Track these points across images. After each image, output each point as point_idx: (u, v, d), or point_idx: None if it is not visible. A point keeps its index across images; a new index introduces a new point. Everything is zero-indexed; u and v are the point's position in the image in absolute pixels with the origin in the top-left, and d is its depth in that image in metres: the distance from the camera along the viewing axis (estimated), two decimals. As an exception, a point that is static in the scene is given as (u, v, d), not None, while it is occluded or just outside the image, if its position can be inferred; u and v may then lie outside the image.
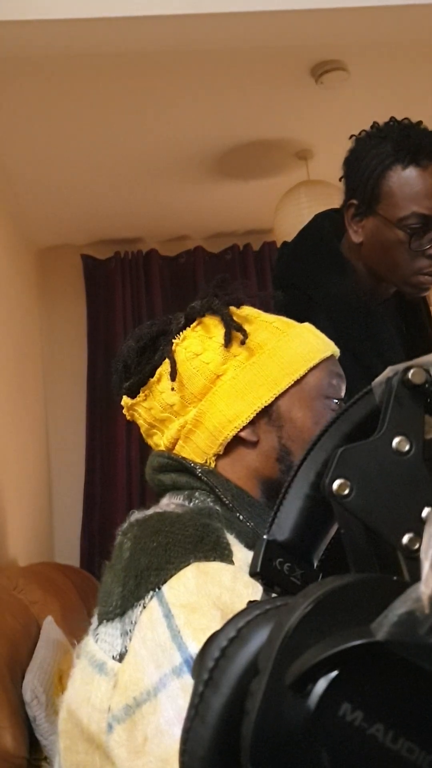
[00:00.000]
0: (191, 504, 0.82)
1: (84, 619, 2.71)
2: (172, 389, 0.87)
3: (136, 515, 0.81)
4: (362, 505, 0.34)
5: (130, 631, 0.68)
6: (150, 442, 0.94)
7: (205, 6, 1.82)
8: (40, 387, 3.63)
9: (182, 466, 0.86)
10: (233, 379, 0.86)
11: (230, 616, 0.62)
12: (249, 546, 0.76)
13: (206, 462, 0.87)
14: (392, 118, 1.33)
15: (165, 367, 0.88)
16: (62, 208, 3.31)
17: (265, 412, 0.86)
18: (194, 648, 0.62)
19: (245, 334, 0.87)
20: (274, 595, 0.37)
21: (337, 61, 2.32)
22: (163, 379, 0.88)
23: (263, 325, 0.90)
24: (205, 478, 0.84)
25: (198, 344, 0.88)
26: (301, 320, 1.33)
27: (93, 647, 0.71)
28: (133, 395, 0.92)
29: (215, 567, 0.69)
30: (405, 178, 1.25)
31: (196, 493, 0.83)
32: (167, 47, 2.06)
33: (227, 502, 0.82)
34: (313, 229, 1.47)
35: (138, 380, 0.90)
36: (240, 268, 3.77)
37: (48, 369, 3.72)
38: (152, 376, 0.89)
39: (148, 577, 0.69)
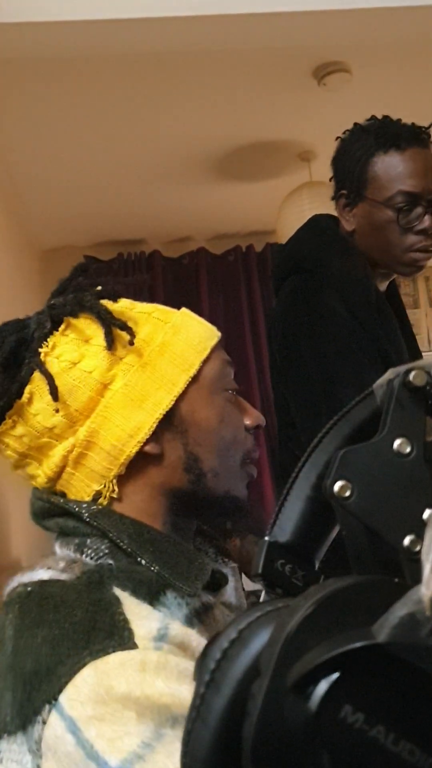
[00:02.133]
0: (84, 556, 0.71)
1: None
2: (57, 410, 0.72)
3: (19, 580, 0.71)
4: (363, 506, 0.34)
5: (37, 749, 0.59)
6: (23, 474, 0.80)
7: (208, 8, 1.83)
8: (43, 388, 3.63)
9: (66, 511, 0.73)
10: (125, 387, 0.73)
11: (146, 711, 0.56)
12: (152, 594, 0.67)
13: (105, 486, 0.74)
14: (373, 116, 1.42)
15: (36, 383, 0.73)
16: (65, 210, 3.32)
17: (166, 419, 0.74)
18: (115, 760, 0.54)
19: (132, 333, 0.73)
20: (275, 596, 0.37)
21: (340, 63, 2.32)
22: (35, 398, 0.73)
23: (143, 317, 0.77)
24: (95, 523, 0.71)
25: (73, 351, 0.74)
26: (314, 300, 1.36)
27: None
28: None
29: (116, 662, 0.59)
30: (388, 161, 1.34)
31: (88, 541, 0.71)
32: (170, 49, 2.06)
33: (124, 546, 0.70)
34: (312, 222, 1.51)
35: (4, 404, 0.74)
36: (243, 269, 3.78)
37: (51, 370, 3.72)
38: (20, 397, 0.73)
39: (39, 684, 0.59)
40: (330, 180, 1.46)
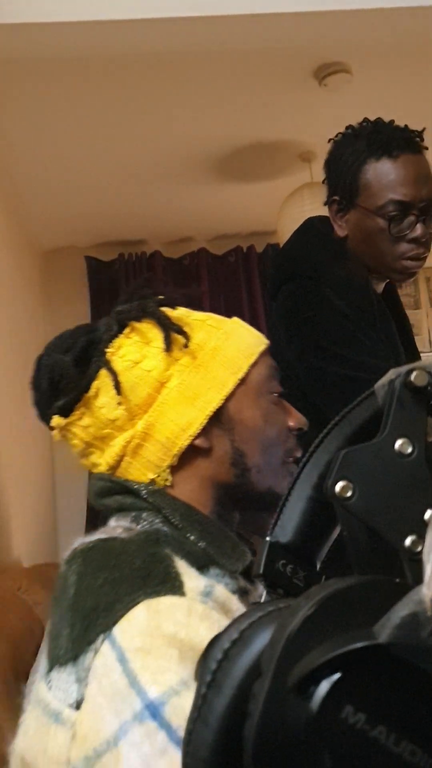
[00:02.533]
0: (139, 526, 0.78)
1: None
2: (119, 404, 0.80)
3: (80, 541, 0.77)
4: (365, 507, 0.34)
5: (84, 677, 0.64)
6: (86, 462, 0.87)
7: (209, 8, 1.83)
8: (44, 388, 3.63)
9: (125, 489, 0.81)
10: (180, 385, 0.81)
11: (188, 653, 0.61)
12: (200, 567, 0.73)
13: (159, 476, 0.81)
14: (365, 119, 1.41)
15: (102, 379, 0.81)
16: (66, 210, 3.32)
17: (215, 417, 0.81)
18: (154, 692, 0.60)
19: (187, 337, 0.81)
20: (276, 596, 0.37)
21: (341, 63, 2.32)
22: (101, 393, 0.81)
23: (198, 324, 0.85)
24: (151, 499, 0.79)
25: (136, 351, 0.81)
26: (314, 306, 1.36)
27: (46, 695, 0.68)
28: (66, 414, 0.83)
29: (167, 603, 0.66)
30: (379, 169, 1.33)
31: (144, 514, 0.79)
32: (171, 49, 2.06)
33: (176, 522, 0.77)
34: (307, 226, 1.51)
35: (73, 397, 0.82)
36: (243, 269, 3.78)
37: (52, 370, 3.72)
38: (87, 391, 0.82)
39: (96, 619, 0.66)
40: (323, 182, 1.45)
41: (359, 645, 0.26)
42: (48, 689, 0.67)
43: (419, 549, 0.33)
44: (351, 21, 1.92)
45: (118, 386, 0.79)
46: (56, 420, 0.84)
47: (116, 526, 0.80)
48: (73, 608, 0.68)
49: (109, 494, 0.83)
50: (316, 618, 0.27)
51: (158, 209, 3.40)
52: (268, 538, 0.37)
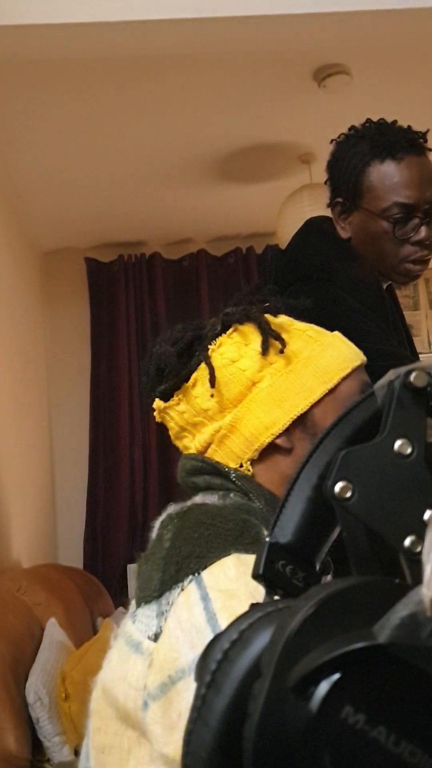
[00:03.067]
0: (227, 502, 0.82)
1: (87, 621, 2.72)
2: (212, 395, 0.87)
3: (174, 507, 0.82)
4: (364, 507, 0.34)
5: (166, 611, 0.69)
6: (179, 444, 0.95)
7: (209, 10, 1.83)
8: (44, 389, 3.63)
9: (216, 470, 0.87)
10: (270, 387, 0.86)
11: None
12: None
13: (240, 466, 0.87)
14: (368, 120, 1.41)
15: (201, 372, 0.88)
16: (66, 212, 3.32)
17: (300, 420, 0.86)
18: None
19: (283, 343, 0.87)
20: (276, 597, 0.37)
21: (340, 65, 2.32)
22: (198, 384, 0.89)
23: (297, 333, 0.90)
24: (239, 483, 0.84)
25: (234, 351, 0.88)
26: (329, 304, 1.36)
27: (130, 627, 0.73)
28: (166, 399, 0.92)
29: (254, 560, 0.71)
30: (383, 171, 1.33)
31: (231, 494, 0.84)
32: (171, 51, 2.06)
33: (260, 506, 0.82)
34: (311, 227, 1.51)
35: (173, 384, 0.90)
36: (243, 271, 3.78)
37: (51, 371, 3.73)
38: (187, 381, 0.89)
39: (188, 563, 0.71)
40: (325, 183, 1.45)
41: (359, 645, 0.26)
42: (132, 623, 0.73)
43: (419, 549, 0.33)
44: (350, 23, 1.92)
45: (213, 380, 0.86)
46: (157, 403, 0.93)
47: (204, 500, 0.84)
48: (168, 556, 0.73)
49: (199, 473, 0.89)
50: (315, 618, 0.27)
51: (158, 211, 3.40)
52: (267, 539, 0.37)
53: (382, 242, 1.35)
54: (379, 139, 1.35)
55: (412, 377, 0.35)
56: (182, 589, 0.69)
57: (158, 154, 2.84)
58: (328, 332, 0.93)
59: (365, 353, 1.32)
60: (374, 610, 0.27)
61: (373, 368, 1.27)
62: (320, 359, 0.88)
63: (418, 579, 0.29)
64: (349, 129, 1.42)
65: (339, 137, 1.43)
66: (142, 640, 0.70)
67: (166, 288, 3.75)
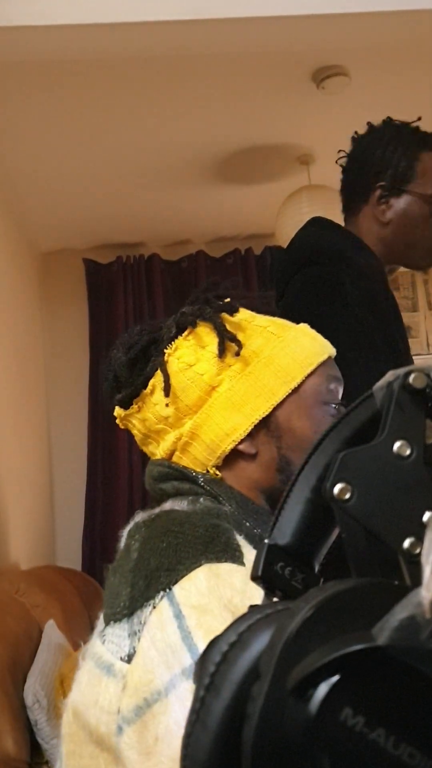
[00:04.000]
0: (197, 507, 0.80)
1: (86, 623, 2.72)
2: (167, 405, 0.84)
3: (141, 515, 0.80)
4: (363, 509, 0.34)
5: (138, 631, 0.67)
6: (146, 450, 0.92)
7: (207, 11, 1.83)
8: (42, 391, 3.63)
9: (183, 475, 0.84)
10: (229, 391, 0.83)
11: None
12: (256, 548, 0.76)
13: (207, 472, 0.84)
14: (389, 118, 1.49)
15: (158, 378, 0.85)
16: (64, 213, 3.32)
17: (264, 423, 0.83)
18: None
19: (239, 345, 0.83)
20: (275, 599, 0.37)
21: (339, 67, 2.33)
22: (156, 390, 0.85)
23: (257, 330, 0.87)
24: (208, 487, 0.82)
25: (191, 354, 0.84)
26: (329, 298, 1.38)
27: (99, 649, 0.70)
28: (125, 406, 0.89)
29: (226, 569, 0.68)
30: None
31: (201, 499, 0.81)
32: (169, 52, 2.06)
33: (232, 509, 0.80)
34: (318, 221, 1.57)
35: (130, 392, 0.87)
36: (242, 272, 3.78)
37: (50, 373, 3.72)
38: (145, 388, 0.86)
39: (158, 577, 0.68)
40: (348, 175, 1.52)
41: (358, 647, 0.26)
42: (102, 643, 0.70)
43: (418, 551, 0.33)
44: (349, 24, 1.92)
45: (167, 388, 0.83)
46: (117, 411, 0.90)
47: (173, 506, 0.82)
48: (136, 569, 0.71)
49: (167, 479, 0.86)
50: (314, 620, 0.27)
51: (156, 212, 3.40)
52: (266, 541, 0.37)
53: (423, 225, 1.43)
54: (423, 133, 1.45)
55: (411, 379, 0.35)
56: (154, 607, 0.67)
57: (157, 156, 2.84)
58: (292, 325, 0.89)
59: (357, 357, 1.33)
60: (373, 612, 0.27)
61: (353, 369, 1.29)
62: (281, 358, 0.84)
63: (417, 581, 0.29)
64: (385, 121, 1.50)
65: (368, 130, 1.50)
66: (113, 661, 0.68)
67: (164, 289, 3.75)
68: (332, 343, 1.37)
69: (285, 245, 2.87)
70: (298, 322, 1.42)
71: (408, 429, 0.35)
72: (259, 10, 1.84)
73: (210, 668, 0.28)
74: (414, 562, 0.32)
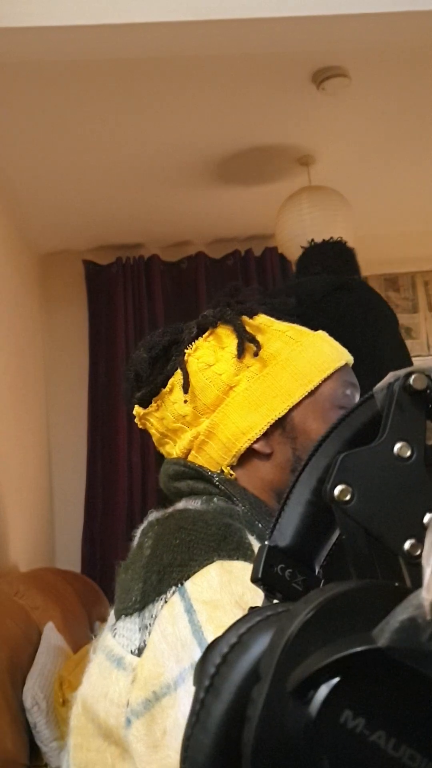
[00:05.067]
0: (210, 506, 0.80)
1: (85, 625, 2.72)
2: (185, 401, 0.86)
3: (155, 514, 0.81)
4: (364, 510, 0.34)
5: (149, 625, 0.67)
6: (162, 450, 0.93)
7: (207, 13, 1.83)
8: (42, 392, 3.63)
9: (199, 474, 0.85)
10: (246, 391, 0.85)
11: None
12: None
13: (222, 472, 0.85)
14: None
15: (177, 377, 0.87)
16: (64, 214, 3.32)
17: (279, 424, 0.85)
18: None
19: (258, 346, 0.85)
20: (275, 601, 0.37)
21: (339, 68, 2.33)
22: (175, 389, 0.87)
23: (276, 334, 0.88)
24: (223, 487, 0.83)
25: (210, 355, 0.86)
26: (380, 306, 1.53)
27: (110, 642, 0.71)
28: (145, 405, 0.91)
29: (239, 566, 0.69)
30: None
31: (215, 499, 0.82)
32: (169, 53, 2.06)
33: (245, 510, 0.81)
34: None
35: (150, 390, 0.89)
36: (242, 273, 3.78)
37: (49, 374, 3.72)
38: (164, 386, 0.88)
39: (170, 573, 0.69)
40: None
41: (358, 649, 0.26)
42: (113, 636, 0.71)
43: (418, 553, 0.33)
44: (349, 25, 1.92)
45: (187, 386, 0.85)
46: (136, 409, 0.92)
47: (186, 506, 0.82)
48: (148, 564, 0.71)
49: (182, 478, 0.87)
50: (314, 622, 0.27)
51: (156, 213, 3.40)
52: (266, 542, 0.37)
53: None
54: None
55: (411, 380, 0.35)
56: (165, 601, 0.67)
57: (157, 157, 2.84)
58: (310, 332, 0.91)
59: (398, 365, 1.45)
60: (374, 613, 0.27)
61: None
62: (299, 361, 0.86)
63: (417, 582, 0.28)
64: None
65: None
66: (124, 654, 0.68)
67: (164, 290, 3.75)
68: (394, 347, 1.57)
69: (285, 246, 2.91)
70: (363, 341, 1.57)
71: (408, 430, 0.35)
72: (259, 11, 1.84)
73: (210, 670, 0.28)
74: (414, 563, 0.32)
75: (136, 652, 0.67)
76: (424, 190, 3.36)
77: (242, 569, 0.68)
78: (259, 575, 0.37)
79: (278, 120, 2.65)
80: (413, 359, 1.81)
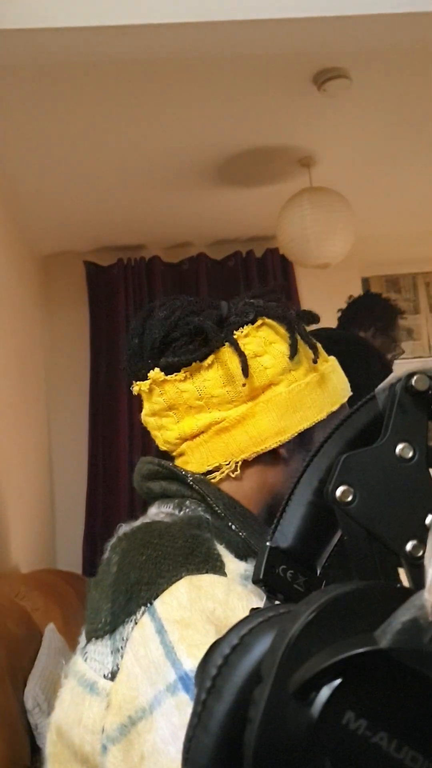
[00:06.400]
0: (181, 513, 0.79)
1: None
2: (224, 385, 0.82)
3: (124, 528, 0.79)
4: (365, 512, 0.34)
5: (121, 648, 0.65)
6: (153, 422, 0.87)
7: (208, 14, 1.83)
8: (43, 394, 3.63)
9: (172, 474, 0.83)
10: (288, 393, 0.83)
11: (224, 630, 0.63)
12: (239, 556, 0.75)
13: (228, 464, 0.83)
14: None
15: (222, 356, 0.82)
16: (65, 215, 3.32)
17: (301, 435, 0.84)
18: (189, 664, 0.61)
19: (317, 354, 0.85)
20: (277, 602, 0.37)
21: (339, 69, 2.33)
22: (214, 367, 0.82)
23: (318, 347, 0.89)
24: (197, 487, 0.81)
25: (260, 346, 0.83)
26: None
27: (82, 666, 0.69)
28: (170, 372, 0.83)
29: (208, 580, 0.68)
30: None
31: (187, 502, 0.80)
32: (170, 55, 2.06)
33: (219, 510, 0.79)
34: None
35: (185, 359, 0.83)
36: (243, 274, 3.78)
37: (51, 376, 3.72)
38: (201, 360, 0.82)
39: (138, 592, 0.67)
40: None
41: (360, 650, 0.25)
42: (84, 661, 0.69)
43: (420, 554, 0.33)
44: (350, 27, 1.92)
45: (245, 368, 0.81)
46: (155, 373, 0.84)
47: (158, 512, 0.81)
48: (116, 583, 0.70)
49: (156, 478, 0.85)
50: (316, 623, 0.27)
51: (157, 214, 3.40)
52: (268, 543, 0.37)
53: None
54: None
55: (413, 381, 0.35)
56: (136, 623, 0.65)
57: (158, 158, 2.84)
58: (331, 357, 0.91)
59: None
60: (376, 615, 0.27)
61: None
62: (331, 379, 0.87)
63: (419, 583, 0.28)
64: None
65: None
66: (96, 679, 0.66)
67: (165, 292, 3.75)
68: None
69: (286, 247, 2.94)
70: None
71: (410, 431, 0.35)
72: (260, 12, 1.84)
73: (212, 671, 0.28)
74: (416, 564, 0.32)
75: (109, 676, 0.65)
76: (425, 191, 3.36)
77: (211, 583, 0.67)
78: (261, 576, 0.36)
79: (279, 121, 2.65)
80: (414, 360, 1.84)
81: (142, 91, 2.35)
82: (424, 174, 3.17)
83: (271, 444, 0.82)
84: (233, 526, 0.78)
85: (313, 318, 0.90)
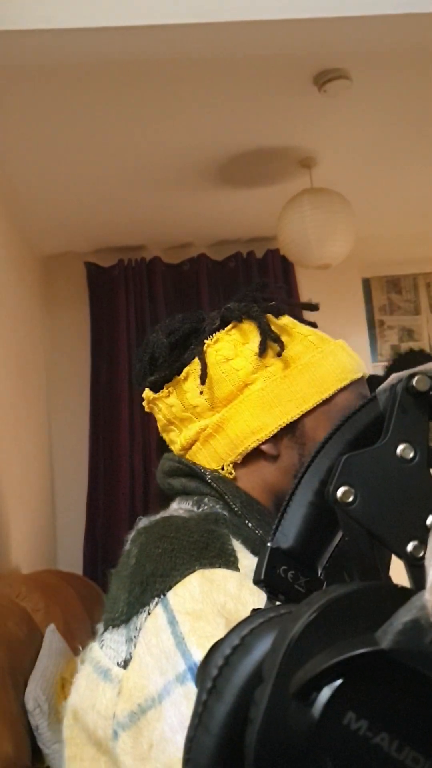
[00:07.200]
0: (199, 509, 0.80)
1: (87, 627, 2.71)
2: (201, 392, 0.85)
3: (144, 522, 0.81)
4: (366, 512, 0.34)
5: (134, 637, 0.67)
6: (165, 437, 0.92)
7: (209, 15, 1.83)
8: (44, 395, 3.63)
9: (192, 472, 0.85)
10: (262, 390, 0.84)
11: (235, 621, 0.63)
12: (255, 553, 0.75)
13: (222, 468, 0.85)
14: None
15: (194, 366, 0.86)
16: (66, 216, 3.32)
17: (290, 428, 0.84)
18: (198, 655, 0.62)
19: (282, 346, 0.84)
20: (278, 603, 0.37)
21: (340, 70, 2.33)
22: (190, 378, 0.86)
23: (299, 337, 0.88)
24: (215, 485, 0.83)
25: (230, 349, 0.85)
26: None
27: (98, 653, 0.71)
28: (156, 389, 0.89)
29: (220, 574, 0.69)
30: None
31: (206, 499, 0.82)
32: (171, 56, 2.06)
33: (236, 508, 0.81)
34: None
35: (164, 376, 0.87)
36: (243, 275, 3.78)
37: (51, 377, 3.73)
38: (179, 374, 0.87)
39: (153, 583, 0.69)
40: None
41: (361, 651, 0.25)
42: (100, 648, 0.71)
43: (421, 554, 0.33)
44: (350, 27, 1.92)
45: (204, 376, 0.84)
46: (146, 393, 0.90)
47: (178, 508, 0.83)
48: (133, 575, 0.71)
49: (176, 475, 0.87)
50: (317, 624, 0.27)
51: (158, 215, 3.40)
52: (269, 544, 0.37)
53: None
54: None
55: (414, 381, 0.35)
56: (149, 613, 0.67)
57: (158, 159, 2.84)
58: (331, 339, 0.90)
59: None
60: (377, 615, 0.27)
61: None
62: (318, 368, 0.85)
63: (420, 584, 0.28)
64: None
65: None
66: (110, 666, 0.68)
67: (166, 292, 3.75)
68: None
69: (287, 248, 2.95)
70: None
71: (411, 432, 0.35)
72: (260, 13, 1.84)
73: (213, 672, 0.28)
74: (417, 565, 0.32)
75: (123, 664, 0.67)
76: (425, 191, 3.36)
77: (223, 577, 0.68)
78: (262, 577, 0.36)
79: (280, 122, 2.65)
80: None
81: (143, 91, 2.35)
82: (425, 174, 3.17)
83: (250, 443, 0.83)
84: (249, 524, 0.80)
85: (279, 309, 0.90)
